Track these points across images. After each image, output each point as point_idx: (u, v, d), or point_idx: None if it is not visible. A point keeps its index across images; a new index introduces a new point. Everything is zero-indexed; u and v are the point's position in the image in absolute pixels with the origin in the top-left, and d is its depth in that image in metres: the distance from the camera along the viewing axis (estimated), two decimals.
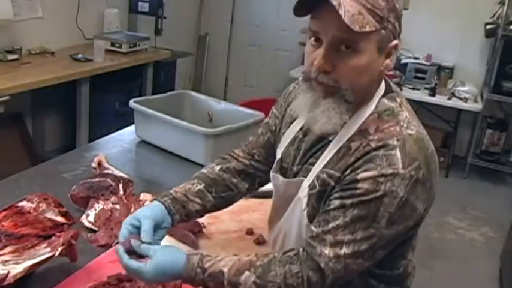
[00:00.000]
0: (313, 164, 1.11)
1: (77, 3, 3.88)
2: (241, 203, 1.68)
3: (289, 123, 1.25)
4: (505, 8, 4.24)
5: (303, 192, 1.12)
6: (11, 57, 3.27)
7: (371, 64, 1.01)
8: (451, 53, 4.74)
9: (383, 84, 1.10)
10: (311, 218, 1.09)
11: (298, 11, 1.01)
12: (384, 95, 1.08)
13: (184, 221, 1.25)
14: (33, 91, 3.25)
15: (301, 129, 1.20)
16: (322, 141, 1.12)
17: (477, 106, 4.36)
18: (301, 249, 1.04)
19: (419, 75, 4.60)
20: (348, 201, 1.00)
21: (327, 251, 1.00)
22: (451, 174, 4.58)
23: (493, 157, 4.57)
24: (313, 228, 1.04)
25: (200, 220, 1.49)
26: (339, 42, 0.98)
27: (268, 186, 1.72)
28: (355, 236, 0.99)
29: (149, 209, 1.17)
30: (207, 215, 1.52)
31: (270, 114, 1.36)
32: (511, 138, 4.64)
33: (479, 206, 4.01)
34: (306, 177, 1.12)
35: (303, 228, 1.12)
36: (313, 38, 1.03)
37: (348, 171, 1.02)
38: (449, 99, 4.39)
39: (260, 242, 1.46)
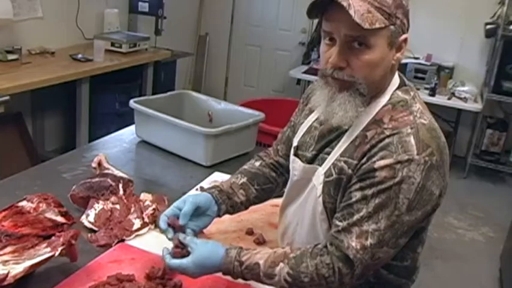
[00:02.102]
0: (328, 153, 1.17)
1: (77, 3, 3.89)
2: None
3: (307, 114, 1.31)
4: (505, 8, 4.23)
5: (318, 179, 1.16)
6: (11, 57, 3.27)
7: (383, 58, 1.07)
8: (451, 53, 4.74)
9: (397, 78, 1.16)
10: (327, 205, 1.15)
11: (311, 13, 1.08)
12: (398, 88, 1.14)
13: (229, 212, 1.34)
14: (33, 91, 3.26)
15: (317, 118, 1.26)
16: (337, 131, 1.17)
17: (477, 106, 4.36)
18: (328, 243, 1.09)
19: (419, 75, 4.60)
20: (368, 192, 1.05)
21: (353, 243, 1.05)
22: (451, 174, 4.52)
23: (493, 157, 4.57)
24: (338, 222, 1.09)
25: None
26: (351, 40, 1.05)
27: None
28: (379, 226, 1.04)
29: (196, 196, 1.28)
30: None
31: (293, 113, 1.43)
32: (511, 138, 4.64)
33: (479, 206, 4.01)
34: (321, 165, 1.17)
35: (317, 215, 1.17)
36: (327, 38, 1.09)
37: (364, 159, 1.08)
38: (449, 99, 4.39)
39: (260, 242, 1.46)
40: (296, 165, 1.26)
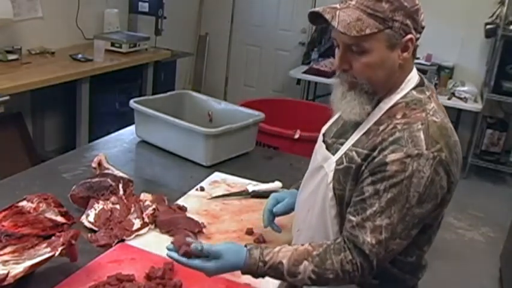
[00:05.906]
0: (342, 144, 1.22)
1: (77, 3, 3.89)
2: (242, 203, 1.68)
3: None
4: (505, 8, 4.24)
5: (330, 167, 1.21)
6: (11, 57, 3.27)
7: (383, 60, 1.13)
8: (451, 53, 4.73)
9: (416, 78, 1.20)
10: (336, 192, 1.19)
11: (314, 23, 1.19)
12: (414, 88, 1.18)
13: None
14: (33, 91, 3.26)
15: None
16: (354, 123, 1.22)
17: (477, 106, 4.36)
18: (345, 239, 1.13)
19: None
20: (380, 187, 1.09)
21: (368, 238, 1.09)
22: None
23: (493, 157, 4.57)
24: (351, 217, 1.13)
25: (200, 220, 1.49)
26: (349, 45, 1.12)
27: (267, 186, 1.73)
28: (392, 220, 1.08)
29: (288, 197, 1.44)
30: (207, 215, 1.53)
31: None
32: (511, 138, 4.64)
33: (479, 206, 4.00)
34: (334, 154, 1.23)
35: (327, 201, 1.21)
36: (336, 43, 1.18)
37: (376, 152, 1.12)
38: (449, 99, 4.39)
39: (260, 242, 1.46)
40: (321, 150, 1.29)
